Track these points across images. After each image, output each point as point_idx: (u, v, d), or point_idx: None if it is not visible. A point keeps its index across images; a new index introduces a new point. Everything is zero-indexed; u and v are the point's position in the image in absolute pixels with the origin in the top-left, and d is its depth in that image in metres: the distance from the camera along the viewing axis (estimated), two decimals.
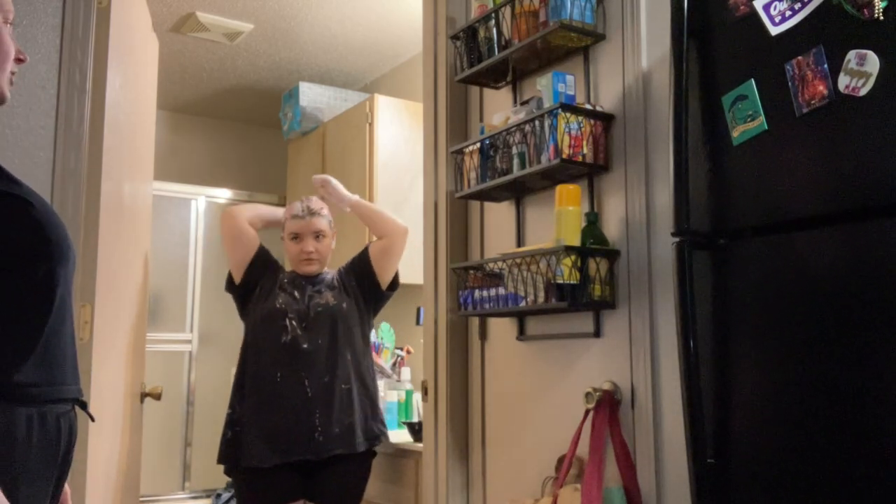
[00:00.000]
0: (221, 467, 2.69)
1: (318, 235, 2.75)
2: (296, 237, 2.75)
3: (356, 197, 2.93)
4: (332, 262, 2.90)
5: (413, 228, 2.94)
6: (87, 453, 1.99)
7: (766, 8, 1.46)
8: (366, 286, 2.80)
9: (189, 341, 4.61)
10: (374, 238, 2.90)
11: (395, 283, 2.86)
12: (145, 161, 2.80)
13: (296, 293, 2.71)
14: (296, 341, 2.61)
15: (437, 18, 2.75)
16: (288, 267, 2.87)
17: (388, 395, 3.46)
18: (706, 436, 1.50)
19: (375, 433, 2.68)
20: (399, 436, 3.16)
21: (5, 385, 1.17)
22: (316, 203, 2.79)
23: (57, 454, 1.26)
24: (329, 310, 2.67)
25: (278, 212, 2.90)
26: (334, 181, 2.95)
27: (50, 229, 1.25)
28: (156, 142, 2.97)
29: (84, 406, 1.37)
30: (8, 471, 1.11)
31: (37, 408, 1.21)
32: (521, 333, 2.39)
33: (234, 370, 2.76)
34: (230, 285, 2.81)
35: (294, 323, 2.63)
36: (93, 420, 1.46)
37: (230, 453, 2.62)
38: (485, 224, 2.59)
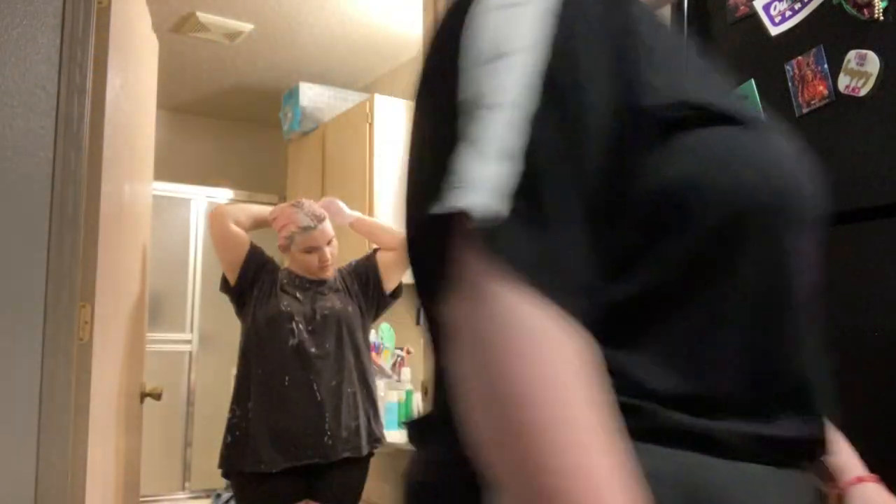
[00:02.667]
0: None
1: (329, 241, 2.72)
2: (312, 250, 2.66)
3: (357, 214, 2.92)
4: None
5: None
6: (86, 454, 2.00)
7: (766, 8, 1.46)
8: (370, 292, 2.79)
9: (189, 341, 4.61)
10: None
11: (398, 291, 2.85)
12: (145, 161, 2.80)
13: (298, 294, 2.68)
14: (303, 345, 2.59)
15: (437, 18, 2.75)
16: (284, 263, 2.84)
17: (388, 395, 3.46)
18: None
19: (377, 436, 2.69)
20: (399, 436, 3.16)
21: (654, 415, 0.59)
22: (318, 209, 2.74)
23: None
24: (335, 313, 2.66)
25: (265, 210, 2.82)
26: (336, 200, 2.93)
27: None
28: (156, 142, 2.96)
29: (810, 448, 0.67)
30: None
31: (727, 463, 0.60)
32: None
33: (234, 371, 2.74)
34: (225, 286, 2.75)
35: (301, 326, 2.61)
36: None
37: (232, 458, 2.60)
38: None
